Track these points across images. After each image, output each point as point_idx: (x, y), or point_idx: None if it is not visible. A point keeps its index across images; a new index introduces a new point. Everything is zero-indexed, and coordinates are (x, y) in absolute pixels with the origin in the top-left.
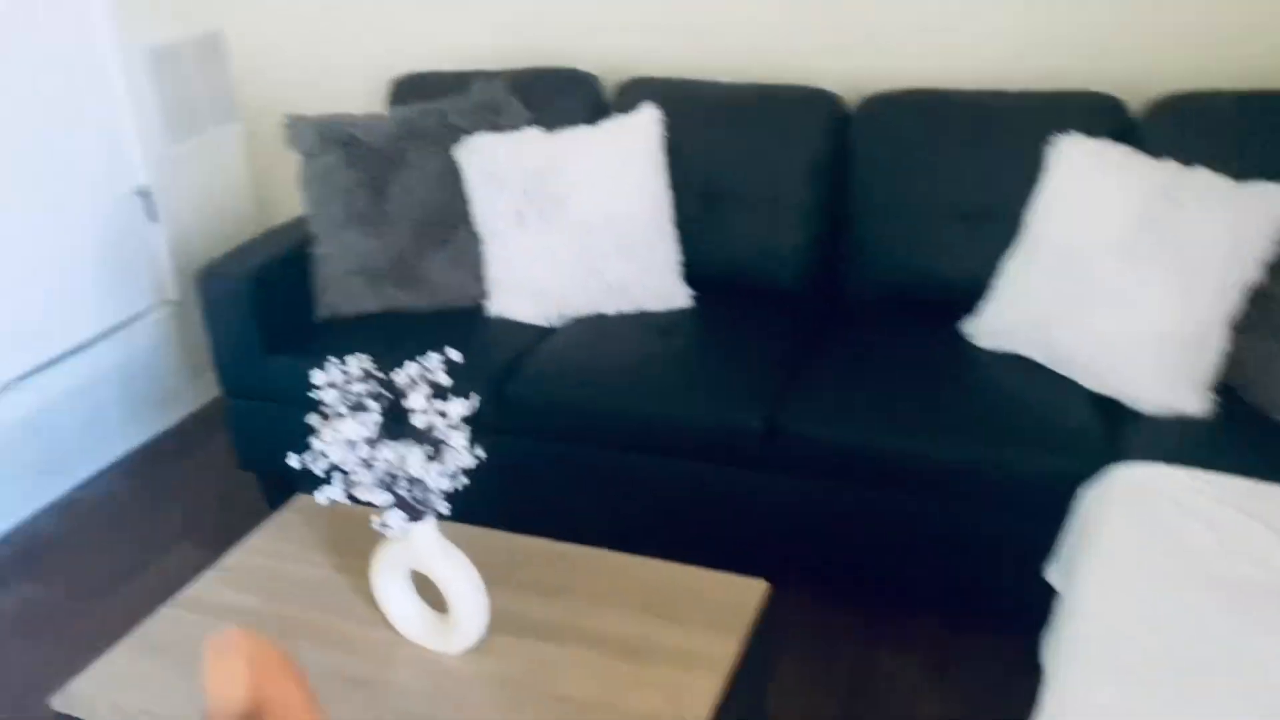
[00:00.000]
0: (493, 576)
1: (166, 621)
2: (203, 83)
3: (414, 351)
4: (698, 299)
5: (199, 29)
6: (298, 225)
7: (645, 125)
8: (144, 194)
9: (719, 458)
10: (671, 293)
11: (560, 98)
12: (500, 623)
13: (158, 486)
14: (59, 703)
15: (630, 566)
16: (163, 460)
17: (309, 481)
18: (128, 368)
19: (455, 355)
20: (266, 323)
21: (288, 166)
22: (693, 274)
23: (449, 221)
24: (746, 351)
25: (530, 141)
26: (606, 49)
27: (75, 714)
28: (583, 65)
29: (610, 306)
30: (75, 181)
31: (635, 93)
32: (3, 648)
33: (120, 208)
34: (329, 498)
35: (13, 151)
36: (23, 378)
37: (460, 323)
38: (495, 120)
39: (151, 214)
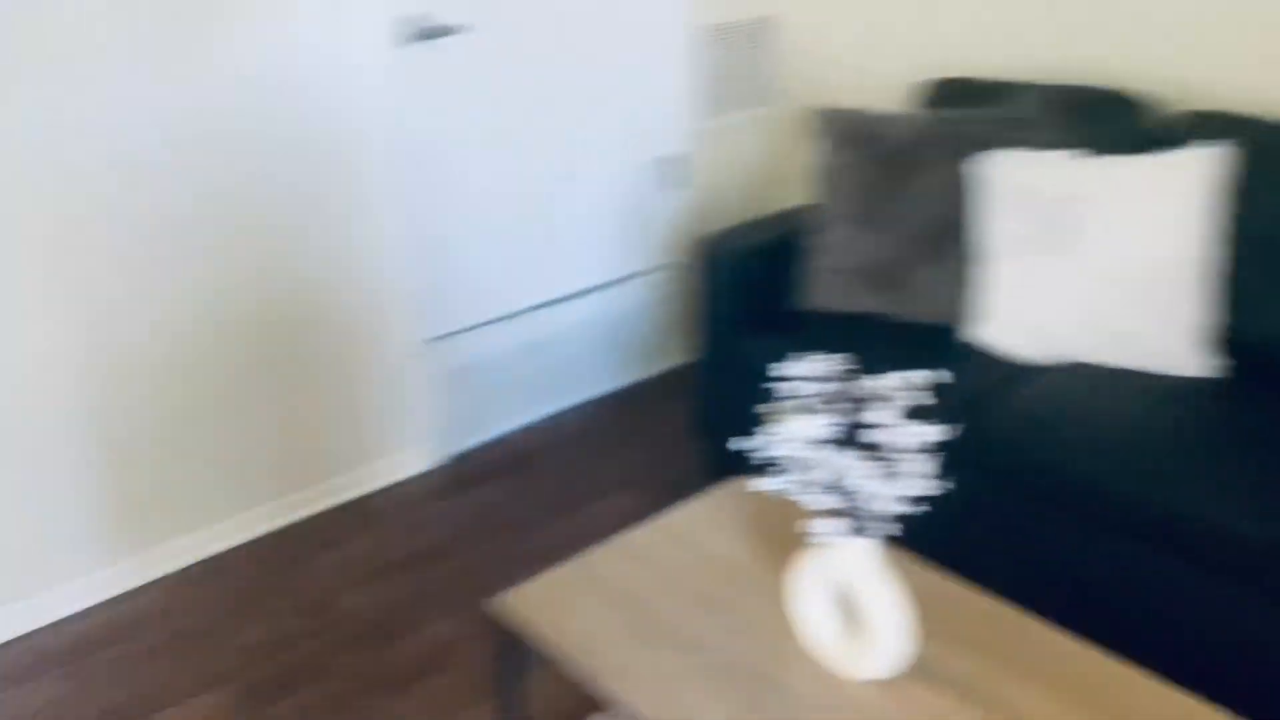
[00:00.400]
0: (920, 615)
1: (604, 559)
2: (750, 64)
3: (885, 359)
4: (1227, 371)
5: (758, 12)
6: (798, 213)
7: (1203, 164)
8: (672, 161)
9: (1209, 564)
10: (1189, 357)
11: (1104, 121)
12: (915, 666)
13: (622, 430)
14: (497, 606)
15: (1082, 658)
16: (632, 407)
17: (753, 464)
18: (626, 316)
19: (942, 377)
20: (750, 302)
21: (803, 153)
22: (1227, 341)
23: (950, 235)
24: (1274, 443)
25: (1059, 165)
26: (1168, 72)
27: (510, 620)
28: (1137, 88)
29: (1110, 358)
30: (615, 140)
31: (1197, 126)
32: (465, 538)
33: (649, 171)
34: (768, 489)
35: (570, 107)
36: (539, 307)
37: (935, 341)
38: (1025, 137)
39: (675, 181)
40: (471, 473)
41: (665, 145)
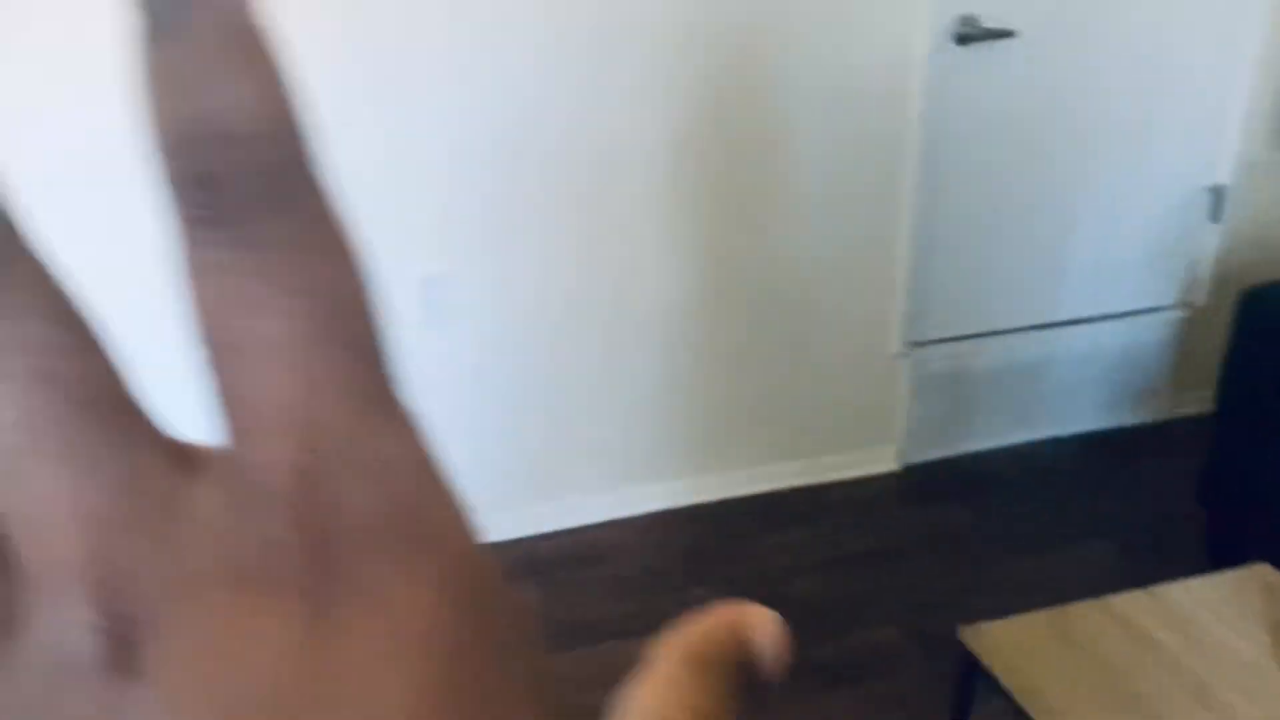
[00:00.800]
0: None
1: (1083, 616)
2: None
3: None
4: None
5: None
6: None
7: None
8: (1219, 192)
9: None
10: None
11: None
12: None
13: (1103, 474)
14: (969, 635)
15: None
16: (1120, 452)
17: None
18: (1132, 352)
19: None
20: None
21: None
22: None
23: None
24: None
25: None
26: None
27: (975, 652)
28: None
29: None
30: (1157, 162)
31: None
32: (920, 549)
33: (1191, 200)
34: None
35: (1113, 122)
36: (1037, 327)
37: None
38: None
39: (1219, 214)
40: (934, 485)
41: (1213, 174)
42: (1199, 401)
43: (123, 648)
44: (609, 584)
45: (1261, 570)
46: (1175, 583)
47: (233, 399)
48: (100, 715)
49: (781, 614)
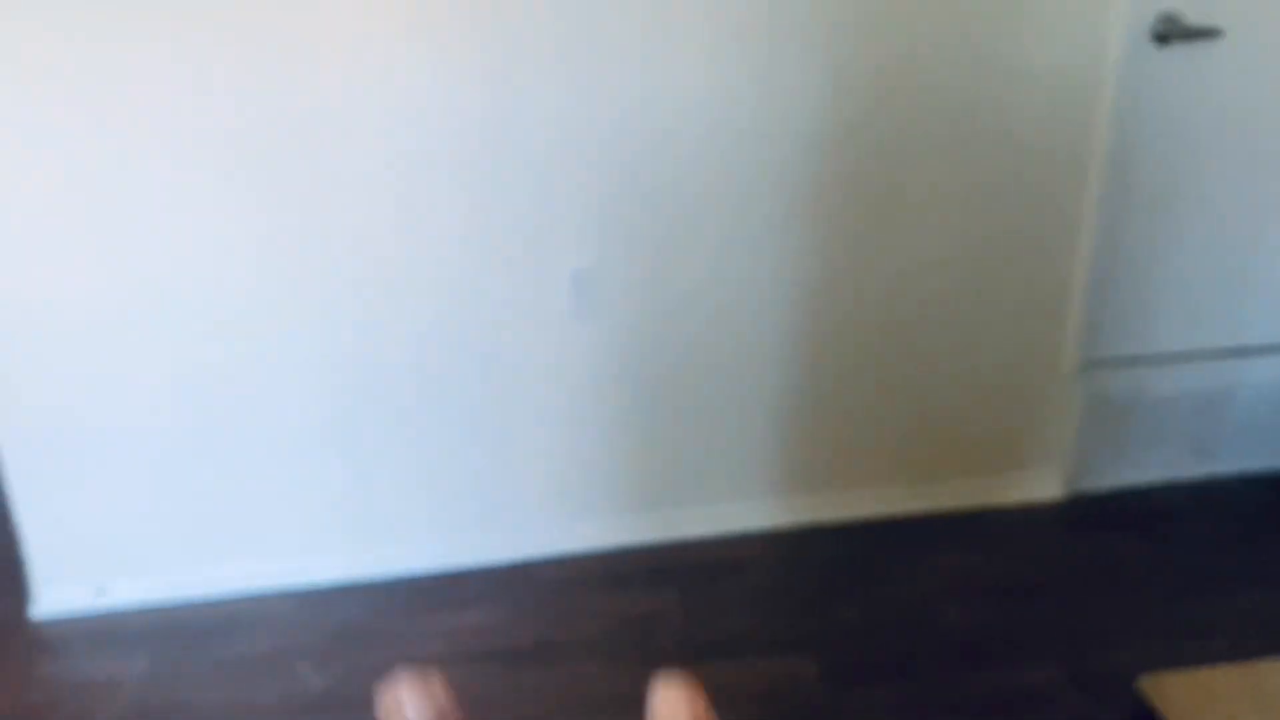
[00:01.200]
0: None
1: (1276, 673)
2: None
3: None
4: None
5: None
6: None
7: None
8: None
9: None
10: None
11: None
12: None
13: (1263, 518)
14: (1148, 686)
15: None
16: None
17: None
18: None
19: None
20: None
21: None
22: None
23: None
24: None
25: None
26: None
27: (1158, 704)
28: None
29: None
30: None
31: None
32: (1080, 583)
33: None
34: None
35: None
36: (1224, 354)
37: None
38: None
39: None
40: (1102, 515)
41: None
42: None
43: None
44: (748, 597)
45: None
46: None
47: None
48: None
49: (931, 643)
